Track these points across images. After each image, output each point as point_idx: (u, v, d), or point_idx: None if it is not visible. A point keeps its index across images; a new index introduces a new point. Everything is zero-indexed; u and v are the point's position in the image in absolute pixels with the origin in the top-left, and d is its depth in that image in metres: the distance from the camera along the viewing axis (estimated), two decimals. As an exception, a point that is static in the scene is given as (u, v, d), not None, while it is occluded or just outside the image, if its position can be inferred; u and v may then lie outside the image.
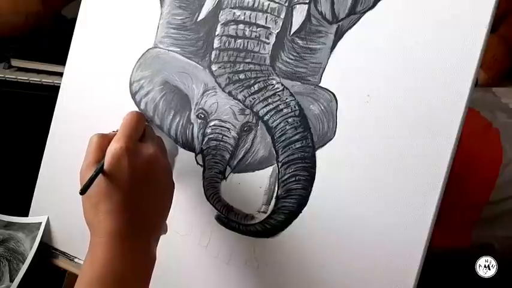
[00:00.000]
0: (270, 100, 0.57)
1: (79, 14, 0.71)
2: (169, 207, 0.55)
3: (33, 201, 0.73)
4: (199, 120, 0.61)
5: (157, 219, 0.53)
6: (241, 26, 0.58)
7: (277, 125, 0.57)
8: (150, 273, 0.50)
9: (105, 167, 0.50)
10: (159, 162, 0.53)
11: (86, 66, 0.70)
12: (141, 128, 0.55)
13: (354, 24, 0.54)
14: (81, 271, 0.49)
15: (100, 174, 0.50)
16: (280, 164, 0.57)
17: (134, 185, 0.50)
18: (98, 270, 0.47)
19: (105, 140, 0.53)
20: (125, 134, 0.52)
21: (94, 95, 0.69)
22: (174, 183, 0.56)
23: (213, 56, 0.59)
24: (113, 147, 0.51)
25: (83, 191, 0.49)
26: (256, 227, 0.58)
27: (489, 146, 0.87)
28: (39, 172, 0.73)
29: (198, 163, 0.61)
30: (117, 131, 0.54)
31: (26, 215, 0.73)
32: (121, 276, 0.48)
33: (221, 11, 0.59)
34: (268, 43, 0.57)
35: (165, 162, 0.55)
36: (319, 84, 0.55)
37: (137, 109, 0.65)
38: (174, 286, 0.61)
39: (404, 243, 0.50)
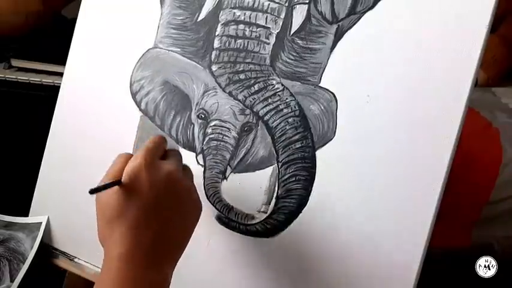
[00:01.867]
0: (270, 100, 0.57)
1: (79, 14, 0.71)
2: (192, 230, 0.51)
3: (33, 201, 0.73)
4: (199, 120, 0.61)
5: (177, 241, 0.50)
6: (241, 26, 0.58)
7: (278, 125, 0.57)
8: None
9: (123, 179, 0.47)
10: (181, 180, 0.50)
11: (86, 66, 0.70)
12: (163, 147, 0.53)
13: (354, 24, 0.54)
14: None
15: (118, 188, 0.47)
16: (280, 164, 0.57)
17: (153, 201, 0.47)
18: None
19: (128, 159, 0.50)
20: (145, 150, 0.50)
21: (94, 95, 0.69)
22: (201, 205, 0.52)
23: (213, 56, 0.59)
24: (132, 162, 0.48)
25: (92, 192, 0.47)
26: (257, 227, 0.58)
27: (489, 146, 0.87)
28: (39, 172, 0.73)
29: (198, 163, 0.61)
30: None
31: (26, 215, 0.73)
32: None
33: (221, 11, 0.59)
34: (268, 43, 0.57)
35: (187, 181, 0.52)
36: (319, 84, 0.55)
37: (137, 109, 0.65)
38: (174, 286, 0.61)
39: (405, 243, 0.50)
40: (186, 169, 0.55)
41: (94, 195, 0.48)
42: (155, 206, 0.48)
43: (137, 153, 0.50)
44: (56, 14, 1.10)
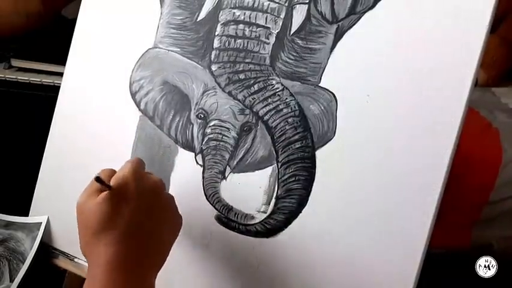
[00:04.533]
0: (269, 100, 0.57)
1: (79, 14, 0.71)
2: (174, 240, 0.53)
3: (33, 201, 0.73)
4: (199, 120, 0.61)
5: (160, 249, 0.51)
6: (241, 26, 0.58)
7: (277, 125, 0.57)
8: None
9: (112, 184, 0.48)
10: (164, 191, 0.53)
11: (86, 66, 0.70)
12: (144, 165, 0.54)
13: (354, 24, 0.54)
14: None
15: (106, 197, 0.47)
16: (280, 164, 0.57)
17: (140, 210, 0.48)
18: None
19: (111, 172, 0.51)
20: (131, 162, 0.52)
21: (94, 95, 0.69)
22: (181, 218, 0.54)
23: (213, 56, 0.59)
24: (121, 172, 0.50)
25: (97, 179, 0.47)
26: (256, 227, 0.58)
27: (489, 146, 0.87)
28: (39, 172, 0.73)
29: (197, 163, 0.61)
30: None
31: (26, 215, 0.73)
32: None
33: (221, 11, 0.59)
34: (268, 43, 0.57)
35: (169, 194, 0.55)
36: (319, 84, 0.55)
37: (137, 109, 0.65)
38: (174, 286, 0.61)
39: (405, 243, 0.50)
40: None
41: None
42: (142, 214, 0.49)
43: (123, 165, 0.51)
44: (56, 14, 1.10)
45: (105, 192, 0.48)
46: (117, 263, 0.46)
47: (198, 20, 0.61)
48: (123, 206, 0.48)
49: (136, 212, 0.48)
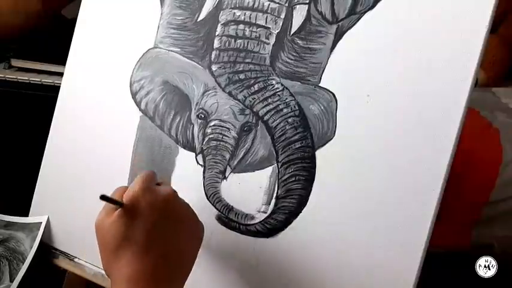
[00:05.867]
0: (270, 100, 0.57)
1: (79, 14, 0.71)
2: (198, 248, 0.52)
3: (33, 201, 0.73)
4: (199, 120, 0.61)
5: (182, 259, 0.50)
6: (241, 26, 0.58)
7: (277, 125, 0.57)
8: None
9: (124, 203, 0.48)
10: (178, 200, 0.52)
11: (86, 66, 0.70)
12: (155, 177, 0.53)
13: (354, 24, 0.54)
14: None
15: (119, 214, 0.47)
16: (280, 164, 0.57)
17: (155, 223, 0.48)
18: None
19: (124, 190, 0.51)
20: (140, 178, 0.51)
21: (94, 95, 0.69)
22: (202, 224, 0.53)
23: (213, 56, 0.59)
24: (131, 190, 0.49)
25: (102, 197, 0.47)
26: (256, 227, 0.58)
27: (489, 146, 0.87)
28: (39, 172, 0.73)
29: (198, 163, 0.61)
30: None
31: (26, 215, 0.73)
32: None
33: (221, 11, 0.59)
34: (268, 43, 0.57)
35: (185, 202, 0.53)
36: (319, 84, 0.55)
37: (137, 109, 0.65)
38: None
39: (405, 243, 0.50)
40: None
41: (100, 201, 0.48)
42: (158, 228, 0.48)
43: (133, 182, 0.50)
44: (56, 14, 1.10)
45: (119, 210, 0.48)
46: (138, 279, 0.46)
47: (199, 20, 0.61)
48: (137, 222, 0.47)
49: (151, 226, 0.48)
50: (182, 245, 0.50)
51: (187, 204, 0.53)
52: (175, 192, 0.52)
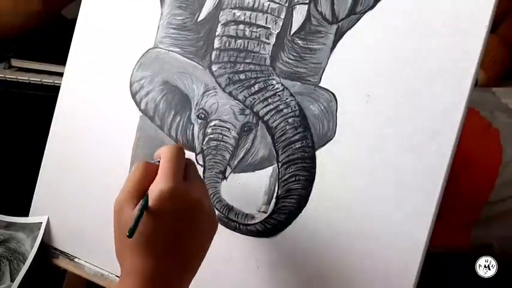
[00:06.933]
0: (270, 100, 0.57)
1: (79, 14, 0.71)
2: (208, 248, 0.51)
3: (33, 201, 0.73)
4: (199, 120, 0.61)
5: (195, 262, 0.49)
6: (241, 27, 0.58)
7: (278, 125, 0.57)
8: None
9: (150, 203, 0.45)
10: (205, 206, 0.49)
11: (86, 67, 0.70)
12: (183, 164, 0.49)
13: (354, 24, 0.54)
14: None
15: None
16: (280, 164, 0.57)
17: (176, 229, 0.47)
18: None
19: (149, 170, 0.48)
20: (169, 172, 0.47)
21: (94, 95, 0.69)
22: (217, 224, 0.51)
23: (213, 56, 0.59)
24: (158, 188, 0.46)
25: (131, 235, 0.44)
26: (257, 227, 0.58)
27: (488, 146, 0.87)
28: (39, 172, 0.73)
29: (198, 163, 0.61)
30: (159, 161, 0.48)
31: (26, 215, 0.73)
32: None
33: (221, 12, 0.59)
34: (269, 43, 0.57)
35: (209, 204, 0.50)
36: (319, 84, 0.55)
37: (137, 109, 0.65)
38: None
39: (404, 243, 0.50)
40: (200, 177, 0.53)
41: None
42: (178, 234, 0.47)
43: (161, 172, 0.47)
44: (56, 14, 1.10)
45: (142, 207, 0.45)
46: (150, 275, 0.46)
47: (199, 20, 0.61)
48: (159, 226, 0.46)
49: (172, 233, 0.46)
50: (199, 248, 0.49)
51: (210, 205, 0.51)
52: (203, 194, 0.49)
